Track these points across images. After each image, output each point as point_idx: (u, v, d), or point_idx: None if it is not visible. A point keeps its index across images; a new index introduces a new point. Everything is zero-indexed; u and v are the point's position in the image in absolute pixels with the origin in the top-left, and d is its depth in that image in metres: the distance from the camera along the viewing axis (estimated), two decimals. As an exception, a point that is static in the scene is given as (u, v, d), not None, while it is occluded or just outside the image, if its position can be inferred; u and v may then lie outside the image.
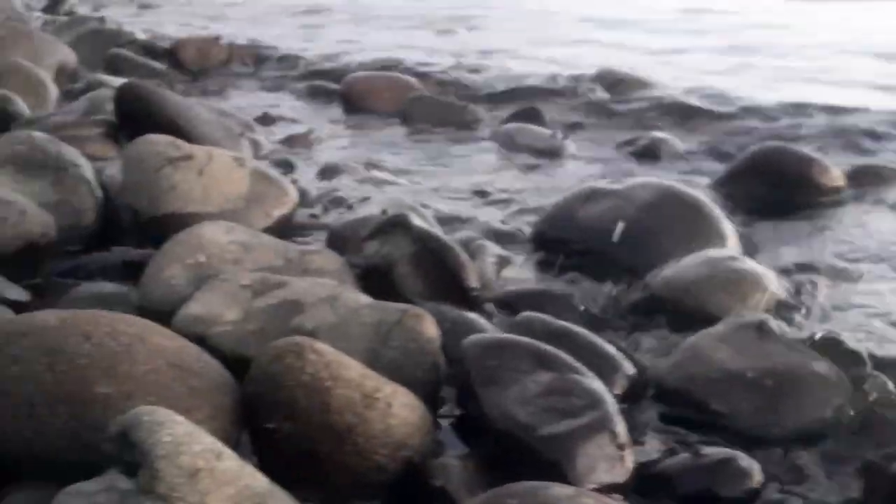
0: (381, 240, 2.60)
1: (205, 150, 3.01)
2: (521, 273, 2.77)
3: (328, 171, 3.73)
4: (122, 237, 3.02)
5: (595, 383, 1.91)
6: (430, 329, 2.04)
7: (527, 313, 2.27)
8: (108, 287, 2.69)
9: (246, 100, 4.86)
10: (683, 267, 2.63)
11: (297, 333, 2.14)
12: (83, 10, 7.24)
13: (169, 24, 6.86)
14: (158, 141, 3.00)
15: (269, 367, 1.80)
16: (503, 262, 2.74)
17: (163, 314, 2.21)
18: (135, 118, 3.59)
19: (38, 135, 3.12)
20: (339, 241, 2.89)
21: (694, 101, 4.75)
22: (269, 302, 2.29)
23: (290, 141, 4.22)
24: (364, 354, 2.00)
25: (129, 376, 1.78)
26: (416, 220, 2.62)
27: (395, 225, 2.60)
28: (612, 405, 1.86)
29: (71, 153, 3.09)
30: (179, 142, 3.02)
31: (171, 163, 2.96)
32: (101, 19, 6.23)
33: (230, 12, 7.98)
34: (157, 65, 5.43)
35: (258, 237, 2.58)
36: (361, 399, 1.79)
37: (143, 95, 3.61)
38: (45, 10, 7.00)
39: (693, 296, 2.53)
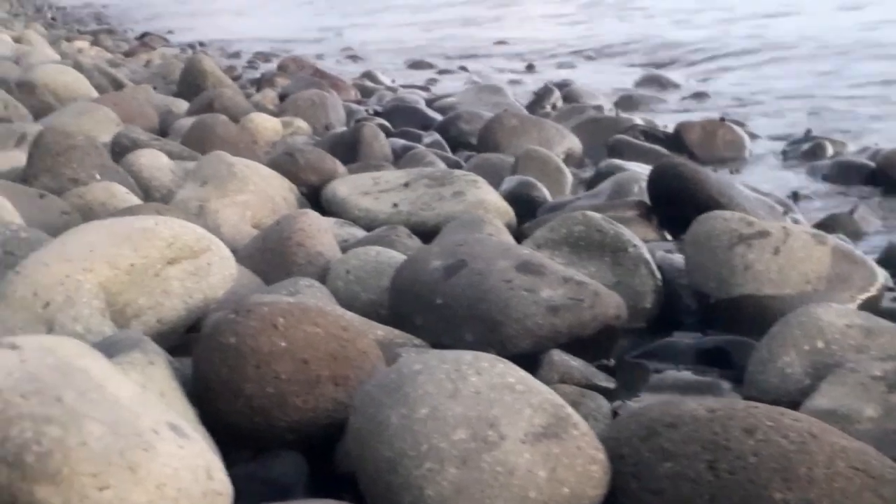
0: None
1: (780, 227, 2.72)
2: None
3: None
4: (682, 320, 2.81)
5: None
6: None
7: None
8: (688, 375, 2.47)
9: (766, 179, 4.53)
10: None
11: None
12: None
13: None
14: (729, 217, 2.75)
15: None
16: None
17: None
18: (672, 198, 3.41)
19: (594, 215, 3.00)
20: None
21: None
22: (914, 397, 1.94)
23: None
24: None
25: (811, 480, 1.49)
26: None
27: None
28: None
29: (627, 234, 2.94)
30: (752, 218, 2.75)
31: (744, 240, 2.69)
32: (599, 108, 6.23)
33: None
34: (660, 149, 5.27)
35: (877, 321, 2.22)
36: None
37: (683, 174, 3.41)
38: (530, 106, 7.13)
39: None
